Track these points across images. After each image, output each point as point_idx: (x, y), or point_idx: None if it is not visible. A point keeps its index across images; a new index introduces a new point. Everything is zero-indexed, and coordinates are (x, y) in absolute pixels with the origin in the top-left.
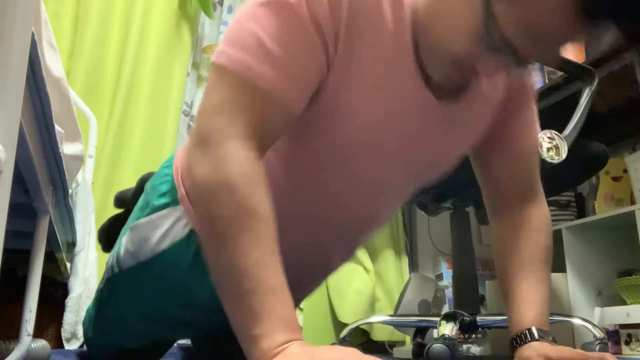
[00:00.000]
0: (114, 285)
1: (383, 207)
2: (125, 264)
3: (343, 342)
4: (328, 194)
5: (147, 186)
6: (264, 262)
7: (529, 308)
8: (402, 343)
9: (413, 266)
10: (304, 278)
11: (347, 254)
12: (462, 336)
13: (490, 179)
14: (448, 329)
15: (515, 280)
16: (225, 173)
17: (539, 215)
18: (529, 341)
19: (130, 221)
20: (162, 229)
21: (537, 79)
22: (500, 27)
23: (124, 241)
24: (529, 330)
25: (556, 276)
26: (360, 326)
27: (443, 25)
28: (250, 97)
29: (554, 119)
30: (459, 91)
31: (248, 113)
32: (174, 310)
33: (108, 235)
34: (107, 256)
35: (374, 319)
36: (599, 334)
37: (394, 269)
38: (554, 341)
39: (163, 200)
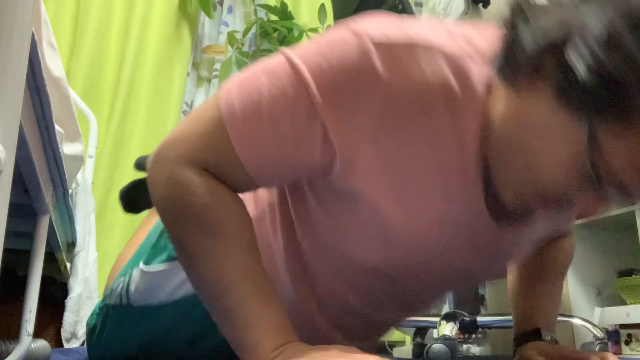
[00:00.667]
0: (120, 315)
1: (404, 309)
2: (134, 301)
3: None
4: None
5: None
6: (241, 275)
7: (536, 309)
8: (402, 343)
9: None
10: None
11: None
12: (462, 336)
13: None
14: (448, 329)
15: (527, 283)
16: (183, 196)
17: (567, 240)
18: (532, 340)
19: (142, 253)
20: (177, 279)
21: None
22: (607, 160)
23: (135, 276)
24: (533, 329)
25: None
26: None
27: (528, 150)
28: (219, 143)
29: None
30: (524, 213)
31: (211, 153)
32: (178, 347)
33: (127, 199)
34: (107, 256)
35: None
36: (599, 334)
37: None
38: (557, 342)
39: None
